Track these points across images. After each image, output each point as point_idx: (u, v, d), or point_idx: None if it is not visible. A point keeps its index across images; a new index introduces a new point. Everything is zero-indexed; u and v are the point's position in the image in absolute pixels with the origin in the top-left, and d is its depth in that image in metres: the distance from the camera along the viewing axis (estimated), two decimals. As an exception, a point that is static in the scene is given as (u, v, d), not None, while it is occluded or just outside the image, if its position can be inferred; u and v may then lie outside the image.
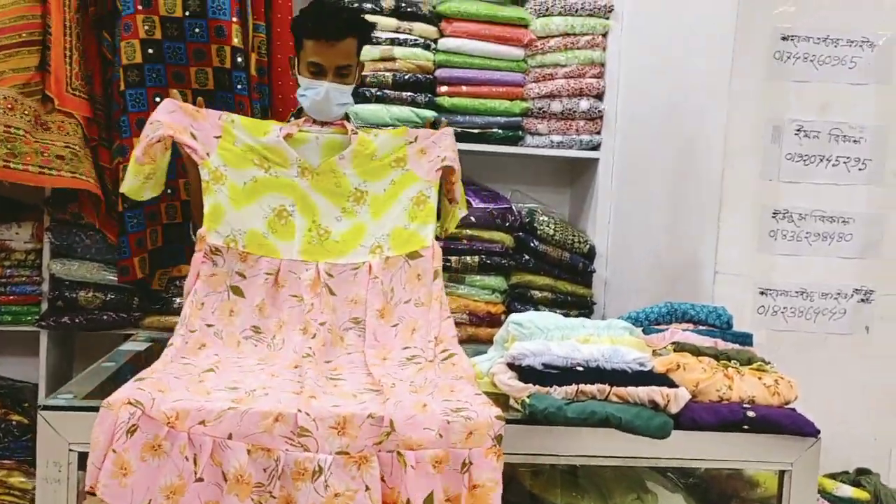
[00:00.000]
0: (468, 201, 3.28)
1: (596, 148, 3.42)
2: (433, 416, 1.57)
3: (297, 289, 2.00)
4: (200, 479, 1.48)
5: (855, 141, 2.43)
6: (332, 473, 1.50)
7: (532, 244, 3.32)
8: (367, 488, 1.50)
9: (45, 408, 1.58)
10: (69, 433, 1.55)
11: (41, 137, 2.91)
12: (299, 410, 1.52)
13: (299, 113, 2.41)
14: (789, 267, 2.45)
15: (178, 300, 3.22)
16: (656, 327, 2.08)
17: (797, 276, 2.46)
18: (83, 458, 1.56)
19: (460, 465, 1.55)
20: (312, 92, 2.22)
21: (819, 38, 2.40)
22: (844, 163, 2.44)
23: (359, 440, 1.53)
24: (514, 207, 3.40)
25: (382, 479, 1.53)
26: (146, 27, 2.88)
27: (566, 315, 3.33)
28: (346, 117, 2.37)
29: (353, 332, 1.98)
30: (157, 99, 2.90)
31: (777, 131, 2.41)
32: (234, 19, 2.95)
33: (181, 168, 3.03)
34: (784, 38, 2.39)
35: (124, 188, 2.13)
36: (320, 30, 2.19)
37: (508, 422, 1.66)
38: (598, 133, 3.42)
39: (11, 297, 3.14)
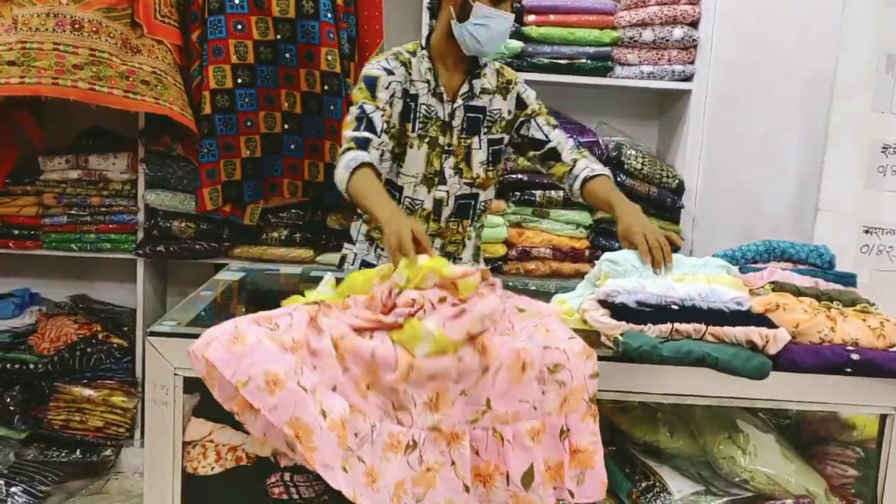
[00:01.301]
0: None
1: (689, 79, 3.30)
2: (529, 387, 1.52)
3: None
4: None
5: (976, 71, 2.28)
6: (426, 448, 1.47)
7: (619, 178, 3.25)
8: (453, 463, 1.47)
9: (152, 333, 1.63)
10: (174, 358, 1.61)
11: (129, 60, 2.94)
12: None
13: (428, 43, 2.27)
14: (898, 204, 2.34)
15: (265, 234, 3.31)
16: (753, 266, 2.03)
17: (906, 215, 2.35)
18: (188, 382, 1.62)
19: (558, 432, 1.53)
20: (495, 22, 2.12)
21: (942, -40, 2.24)
22: (964, 94, 2.29)
23: (451, 417, 1.48)
24: (600, 141, 3.33)
25: (476, 453, 1.50)
26: None
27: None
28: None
29: None
30: (239, 27, 2.94)
31: (891, 60, 2.27)
32: None
33: (263, 99, 3.07)
34: (904, -40, 2.24)
35: None
36: None
37: (600, 359, 1.65)
38: (692, 63, 3.29)
39: (110, 226, 3.27)
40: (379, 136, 2.12)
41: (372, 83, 2.18)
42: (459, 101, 2.27)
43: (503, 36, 2.19)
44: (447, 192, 2.31)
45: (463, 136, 2.28)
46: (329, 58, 3.01)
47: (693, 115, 3.31)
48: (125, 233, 3.29)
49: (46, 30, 2.82)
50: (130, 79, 2.92)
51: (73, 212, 3.24)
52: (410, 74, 2.22)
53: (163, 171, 3.23)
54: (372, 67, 2.22)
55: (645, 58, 3.29)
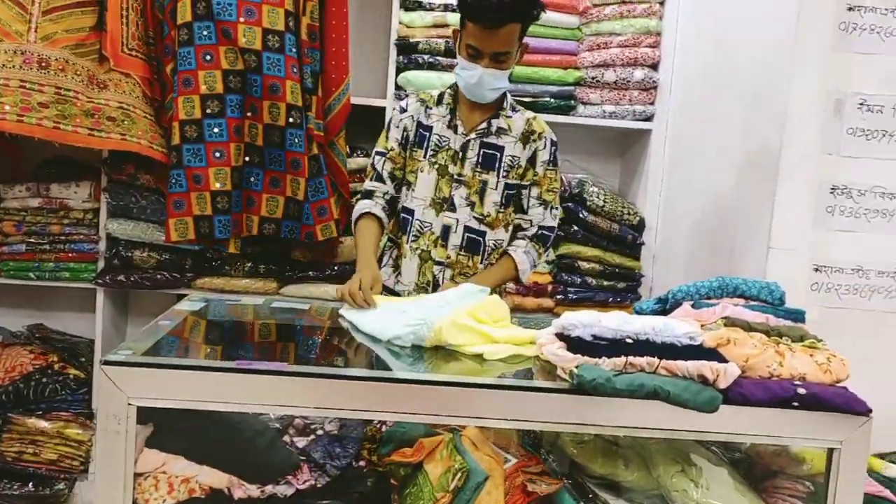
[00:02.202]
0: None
1: (649, 119, 3.38)
2: None
3: None
4: None
5: (919, 116, 2.36)
6: None
7: (581, 215, 3.31)
8: None
9: (106, 362, 1.62)
10: (129, 388, 1.60)
11: (95, 97, 2.95)
12: None
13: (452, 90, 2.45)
14: (845, 243, 2.40)
15: (228, 265, 3.29)
16: (707, 301, 2.06)
17: (853, 253, 2.40)
18: (142, 412, 1.61)
19: None
20: (467, 74, 2.27)
21: (886, 9, 2.32)
22: (908, 138, 2.37)
23: None
24: (563, 178, 3.39)
25: None
26: None
27: (614, 287, 3.34)
28: (504, 95, 2.44)
29: None
30: (208, 57, 2.96)
31: (839, 104, 2.35)
32: None
33: (233, 130, 3.08)
34: (850, 9, 2.32)
35: None
36: (481, 15, 2.17)
37: (554, 391, 1.67)
38: (652, 104, 3.38)
39: (70, 255, 3.24)
40: (385, 182, 2.45)
41: (388, 124, 2.50)
42: (474, 135, 2.40)
43: (481, 87, 2.29)
44: (456, 219, 2.41)
45: (478, 169, 2.41)
46: (293, 91, 3.04)
47: (653, 154, 3.39)
48: (85, 262, 3.26)
49: (13, 67, 2.82)
50: (96, 116, 2.93)
51: (32, 240, 3.21)
52: (429, 109, 2.44)
53: (126, 201, 3.22)
54: (395, 108, 2.53)
55: (607, 98, 3.36)
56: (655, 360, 1.71)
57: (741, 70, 2.70)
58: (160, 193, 3.18)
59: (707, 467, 1.97)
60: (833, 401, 1.72)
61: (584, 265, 3.34)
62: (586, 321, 1.79)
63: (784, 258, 2.36)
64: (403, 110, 2.46)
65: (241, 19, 2.97)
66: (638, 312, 2.13)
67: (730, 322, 1.91)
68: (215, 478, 1.80)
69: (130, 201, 3.21)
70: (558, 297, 3.33)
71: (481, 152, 2.40)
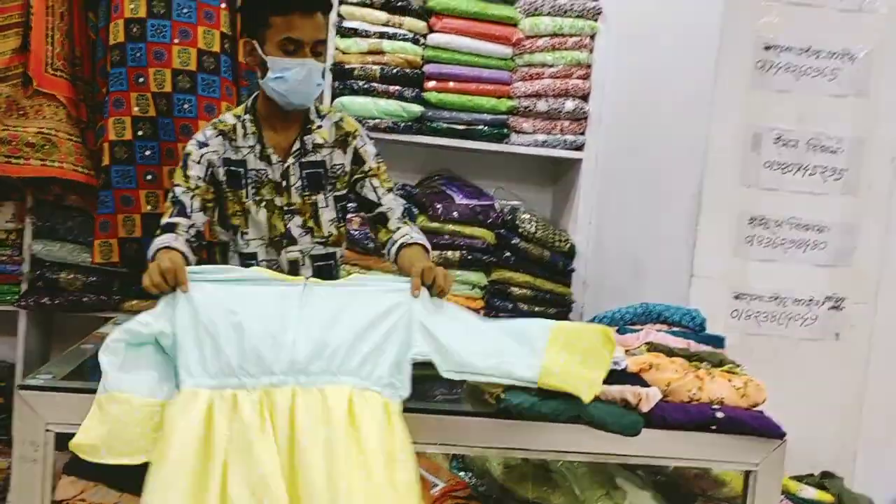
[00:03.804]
0: (452, 197, 3.31)
1: (580, 148, 3.46)
2: None
3: None
4: None
5: (832, 151, 2.47)
6: None
7: (513, 241, 3.35)
8: None
9: (23, 387, 1.58)
10: (47, 413, 1.56)
11: (12, 125, 2.91)
12: None
13: (254, 104, 2.21)
14: (764, 272, 2.49)
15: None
16: (631, 327, 2.12)
17: (771, 282, 2.50)
18: (60, 438, 1.57)
19: None
20: (292, 73, 2.05)
21: (801, 49, 2.44)
22: (821, 172, 2.48)
23: None
24: (496, 204, 3.44)
25: None
26: (132, 6, 2.88)
27: (545, 312, 3.39)
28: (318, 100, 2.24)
29: None
30: (141, 79, 2.93)
31: (757, 139, 2.45)
32: (223, 5, 2.98)
33: (165, 153, 3.04)
34: (767, 48, 2.43)
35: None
36: (296, 2, 2.02)
37: (481, 415, 1.69)
38: (583, 134, 3.46)
39: (-9, 276, 3.13)
40: (189, 217, 2.10)
41: (185, 161, 2.17)
42: (291, 160, 2.20)
43: (308, 84, 2.09)
44: (300, 251, 2.25)
45: (306, 193, 2.23)
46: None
47: (584, 183, 3.47)
48: (8, 283, 3.16)
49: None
50: (13, 143, 2.87)
51: (-49, 261, 3.10)
52: (234, 141, 2.19)
53: (52, 221, 3.14)
54: (189, 143, 2.20)
55: (539, 127, 3.43)
56: (580, 385, 1.75)
57: (664, 103, 2.80)
58: (89, 214, 3.11)
59: (632, 490, 2.02)
60: (749, 424, 1.78)
61: (516, 291, 3.38)
62: (513, 346, 1.81)
63: (705, 286, 2.44)
64: (203, 144, 2.17)
65: (176, 41, 2.95)
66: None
67: (652, 347, 1.97)
68: (137, 506, 1.76)
69: (57, 222, 3.13)
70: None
71: (304, 174, 2.21)
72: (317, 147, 2.22)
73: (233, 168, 2.18)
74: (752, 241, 2.46)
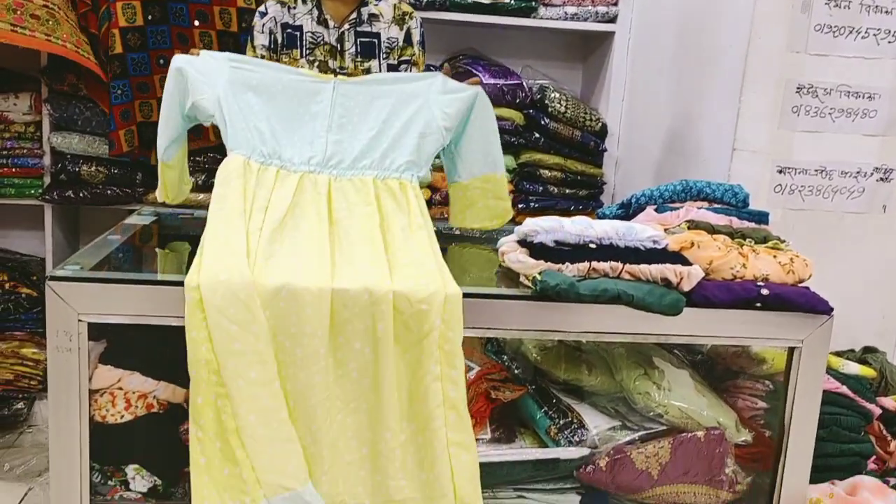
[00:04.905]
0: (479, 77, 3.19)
1: (612, 20, 3.29)
2: None
3: None
4: None
5: (887, 12, 2.30)
6: None
7: (542, 122, 3.24)
8: None
9: (53, 278, 1.56)
10: (78, 303, 1.54)
11: None
12: None
13: None
14: (810, 144, 2.37)
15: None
16: (671, 205, 2.04)
17: (817, 154, 2.39)
18: (92, 327, 1.56)
19: None
20: None
21: None
22: (875, 35, 2.32)
23: None
24: (524, 83, 3.30)
25: None
26: None
27: (576, 195, 3.32)
28: None
29: None
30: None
31: (807, 1, 2.28)
32: None
33: (176, 38, 2.94)
34: None
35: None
36: None
37: (518, 298, 1.65)
38: (616, 4, 3.28)
39: (14, 170, 3.11)
40: None
41: (251, 34, 2.43)
42: (347, 26, 2.40)
43: None
44: None
45: (359, 59, 2.41)
46: None
47: (616, 58, 3.31)
48: (30, 177, 3.13)
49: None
50: (18, 12, 2.74)
51: (-29, 156, 3.06)
52: (293, 8, 2.40)
53: (69, 113, 3.07)
54: (255, 15, 2.44)
55: (569, -2, 3.26)
56: (619, 265, 1.70)
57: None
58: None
59: (669, 370, 1.99)
60: (795, 301, 1.72)
61: (546, 173, 3.29)
62: (548, 227, 1.75)
63: (748, 160, 2.33)
64: (263, 14, 2.42)
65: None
66: (600, 218, 2.11)
67: (693, 225, 1.90)
68: (173, 393, 1.77)
69: (74, 113, 3.06)
70: (520, 206, 3.29)
71: (358, 41, 2.41)
72: (373, 18, 2.42)
73: (290, 31, 2.39)
74: (799, 111, 2.34)
